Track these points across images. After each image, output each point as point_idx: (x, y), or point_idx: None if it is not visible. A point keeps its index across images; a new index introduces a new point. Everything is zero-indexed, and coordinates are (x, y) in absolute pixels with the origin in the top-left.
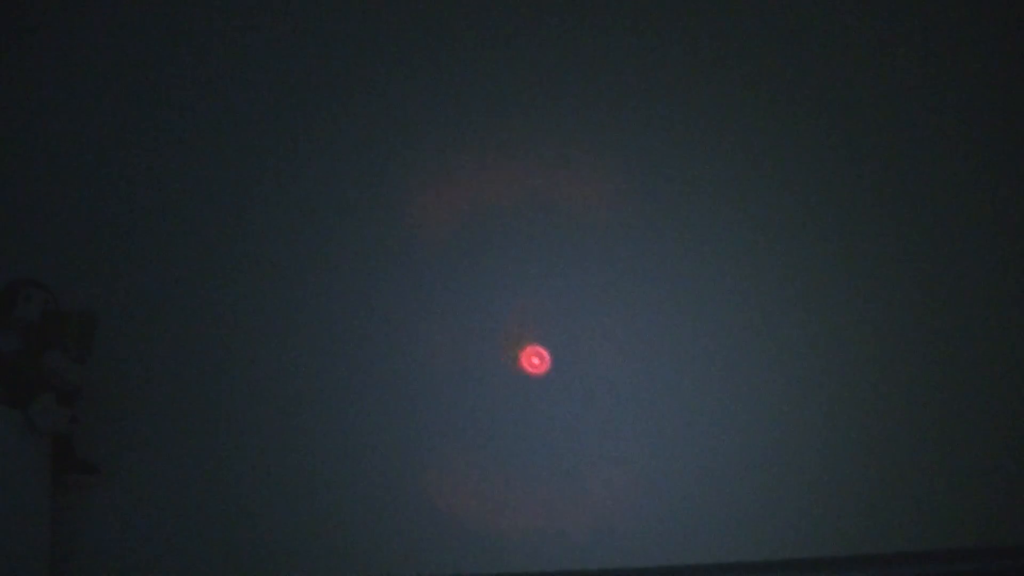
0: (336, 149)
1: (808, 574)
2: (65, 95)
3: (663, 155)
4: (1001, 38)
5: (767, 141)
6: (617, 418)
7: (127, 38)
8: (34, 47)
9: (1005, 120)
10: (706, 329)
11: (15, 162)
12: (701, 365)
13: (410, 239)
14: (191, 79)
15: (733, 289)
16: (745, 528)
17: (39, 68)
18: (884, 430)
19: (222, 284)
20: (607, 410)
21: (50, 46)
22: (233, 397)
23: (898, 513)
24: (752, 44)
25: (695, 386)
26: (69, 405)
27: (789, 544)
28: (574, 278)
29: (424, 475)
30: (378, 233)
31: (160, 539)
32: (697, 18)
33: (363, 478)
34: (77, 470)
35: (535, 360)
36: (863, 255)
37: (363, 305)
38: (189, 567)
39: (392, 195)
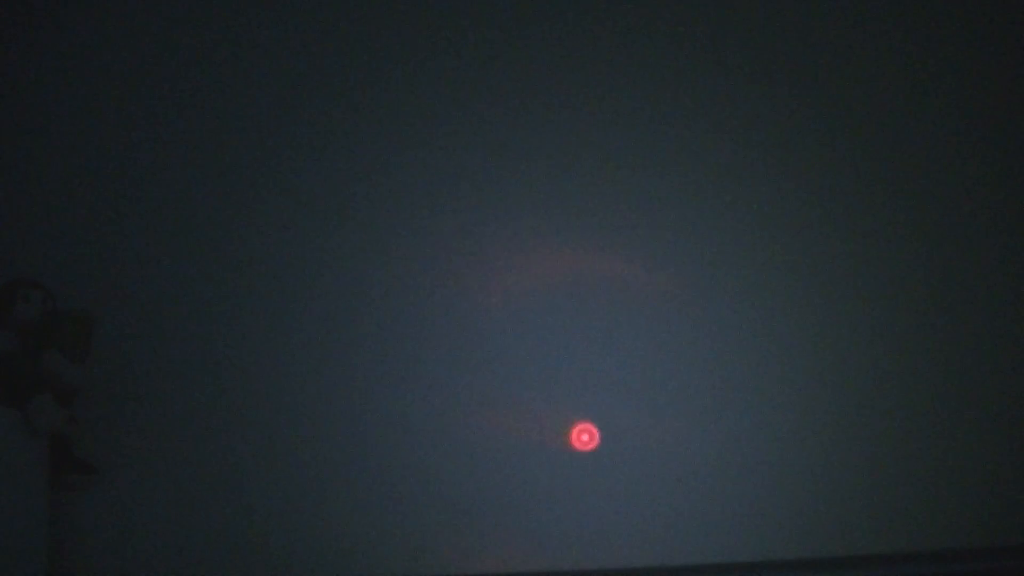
0: (338, 150)
1: (808, 574)
2: (65, 95)
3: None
4: (1002, 38)
5: (766, 132)
6: (617, 417)
7: (127, 38)
8: (34, 47)
9: (1006, 120)
10: (705, 326)
11: (15, 162)
12: (700, 362)
13: (401, 236)
14: (191, 79)
15: (732, 287)
16: (745, 528)
17: (39, 68)
18: (884, 430)
19: (222, 284)
20: (607, 409)
21: (50, 46)
22: (233, 397)
23: (898, 513)
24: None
25: (694, 385)
26: (67, 405)
27: (789, 544)
28: (574, 270)
29: (424, 474)
30: (379, 233)
31: (158, 539)
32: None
33: (364, 478)
34: (75, 470)
35: (584, 437)
36: (865, 256)
37: (364, 304)
38: (188, 567)
39: (395, 195)
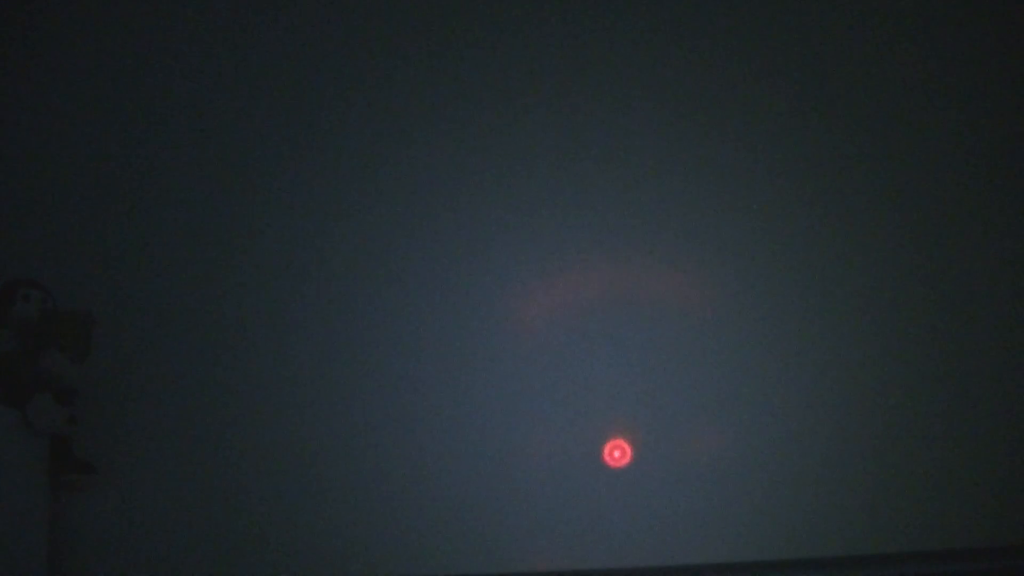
0: (339, 150)
1: (808, 574)
2: (65, 95)
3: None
4: (1002, 38)
5: (768, 132)
6: (616, 418)
7: (127, 38)
8: (34, 47)
9: (1006, 120)
10: (706, 327)
11: (15, 162)
12: (701, 363)
13: (402, 236)
14: (191, 79)
15: (732, 288)
16: (745, 528)
17: (39, 68)
18: (884, 430)
19: (222, 284)
20: (607, 410)
21: (50, 46)
22: (233, 397)
23: (898, 513)
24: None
25: (694, 385)
26: (67, 405)
27: (789, 544)
28: (576, 272)
29: (424, 475)
30: (380, 233)
31: (158, 539)
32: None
33: (363, 478)
34: (75, 470)
35: (616, 453)
36: (865, 256)
37: (364, 305)
38: (188, 567)
39: (397, 196)
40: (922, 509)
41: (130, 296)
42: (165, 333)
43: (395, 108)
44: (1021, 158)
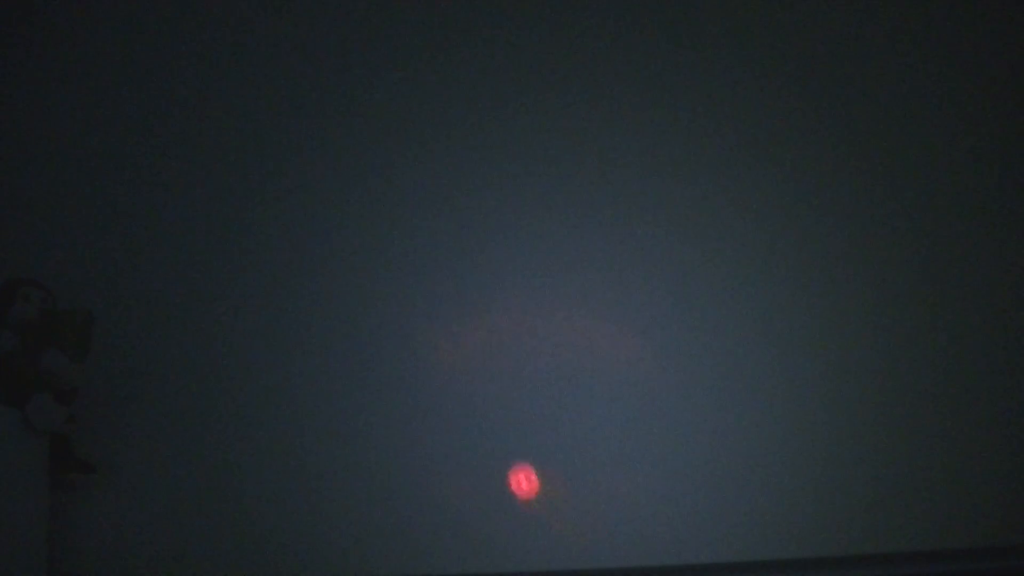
0: (338, 150)
1: (808, 574)
2: (65, 95)
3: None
4: (1002, 38)
5: (764, 132)
6: (617, 417)
7: (127, 38)
8: (34, 47)
9: (1006, 119)
10: (706, 326)
11: (15, 162)
12: (700, 363)
13: (400, 231)
14: (192, 79)
15: (732, 287)
16: (745, 528)
17: (39, 68)
18: (884, 430)
19: (222, 284)
20: (607, 409)
21: (50, 46)
22: (233, 397)
23: (898, 513)
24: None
25: (695, 385)
26: (67, 404)
27: (789, 544)
28: (575, 271)
29: (425, 475)
30: (381, 233)
31: (158, 539)
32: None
33: (364, 478)
34: (75, 469)
35: (523, 482)
36: (864, 255)
37: (364, 305)
38: (188, 567)
39: (393, 196)
40: (922, 509)
41: (130, 296)
42: (165, 333)
43: (394, 110)
44: (1021, 158)
